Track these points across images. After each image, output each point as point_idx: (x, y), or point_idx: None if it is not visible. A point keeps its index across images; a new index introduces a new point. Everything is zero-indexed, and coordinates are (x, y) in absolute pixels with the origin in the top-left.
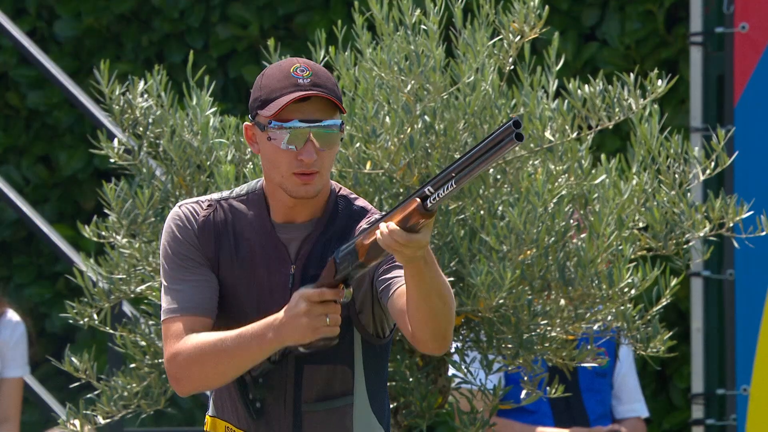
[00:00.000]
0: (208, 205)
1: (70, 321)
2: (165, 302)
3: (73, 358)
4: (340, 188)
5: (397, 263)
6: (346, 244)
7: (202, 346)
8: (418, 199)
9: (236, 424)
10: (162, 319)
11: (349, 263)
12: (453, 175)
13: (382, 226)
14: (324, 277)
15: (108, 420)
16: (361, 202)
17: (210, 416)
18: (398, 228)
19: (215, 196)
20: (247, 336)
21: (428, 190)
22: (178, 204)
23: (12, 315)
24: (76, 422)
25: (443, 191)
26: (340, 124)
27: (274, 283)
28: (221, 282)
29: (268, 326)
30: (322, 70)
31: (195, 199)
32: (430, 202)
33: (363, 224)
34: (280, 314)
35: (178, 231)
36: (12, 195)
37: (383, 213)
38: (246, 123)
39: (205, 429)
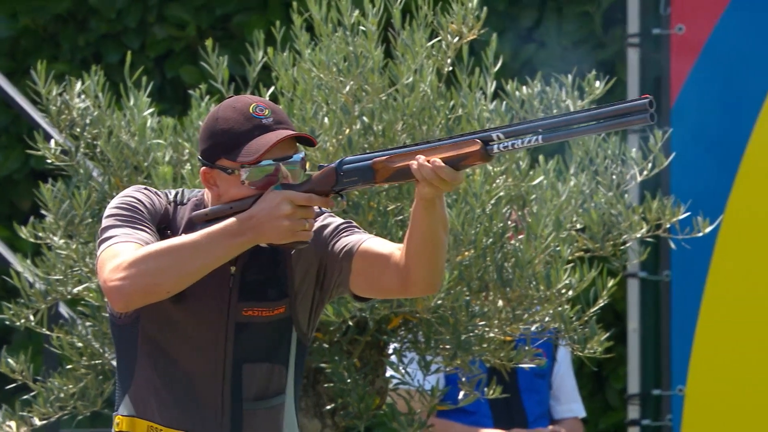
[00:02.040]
0: (171, 201)
1: (7, 322)
2: (109, 237)
3: (9, 360)
4: None
5: (346, 230)
6: (356, 158)
7: (157, 246)
8: (481, 142)
9: (164, 422)
10: (102, 249)
11: (359, 178)
12: (540, 130)
13: (421, 158)
14: (315, 184)
15: (44, 421)
16: None
17: (124, 416)
18: (445, 166)
19: (169, 196)
20: (217, 232)
21: (497, 135)
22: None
23: None
24: (12, 424)
25: (521, 142)
26: (302, 158)
27: (212, 284)
28: None
29: (243, 224)
30: (274, 105)
31: (163, 191)
32: (498, 148)
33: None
34: (257, 212)
35: (148, 196)
36: None
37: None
38: (204, 168)
39: (116, 429)
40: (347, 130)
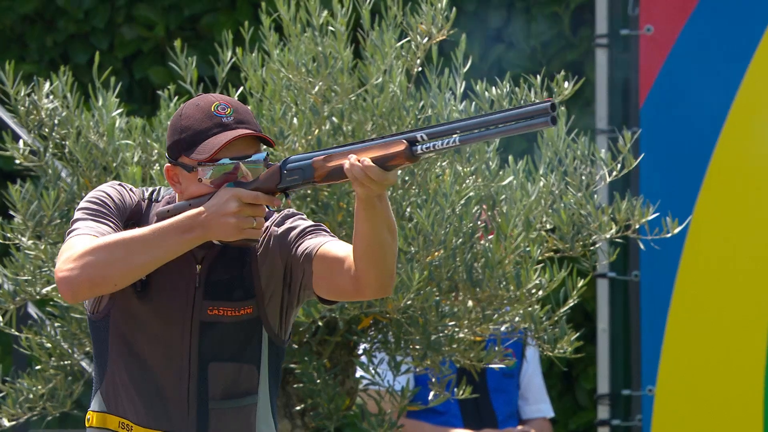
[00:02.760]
0: (145, 198)
1: None
2: (72, 230)
3: None
4: None
5: (311, 233)
6: (299, 156)
7: (108, 239)
8: (406, 142)
9: (134, 419)
10: (66, 239)
11: (300, 177)
12: (457, 131)
13: (353, 157)
14: (262, 182)
15: (13, 422)
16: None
17: (96, 411)
18: (374, 165)
19: (144, 193)
20: (167, 228)
21: (421, 136)
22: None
23: None
24: None
25: (440, 144)
26: (265, 157)
27: (177, 282)
28: None
29: (192, 220)
30: (240, 104)
31: (141, 189)
32: (421, 149)
33: (270, 225)
34: (206, 209)
35: (119, 191)
36: None
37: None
38: (167, 165)
39: (88, 425)
40: (316, 131)
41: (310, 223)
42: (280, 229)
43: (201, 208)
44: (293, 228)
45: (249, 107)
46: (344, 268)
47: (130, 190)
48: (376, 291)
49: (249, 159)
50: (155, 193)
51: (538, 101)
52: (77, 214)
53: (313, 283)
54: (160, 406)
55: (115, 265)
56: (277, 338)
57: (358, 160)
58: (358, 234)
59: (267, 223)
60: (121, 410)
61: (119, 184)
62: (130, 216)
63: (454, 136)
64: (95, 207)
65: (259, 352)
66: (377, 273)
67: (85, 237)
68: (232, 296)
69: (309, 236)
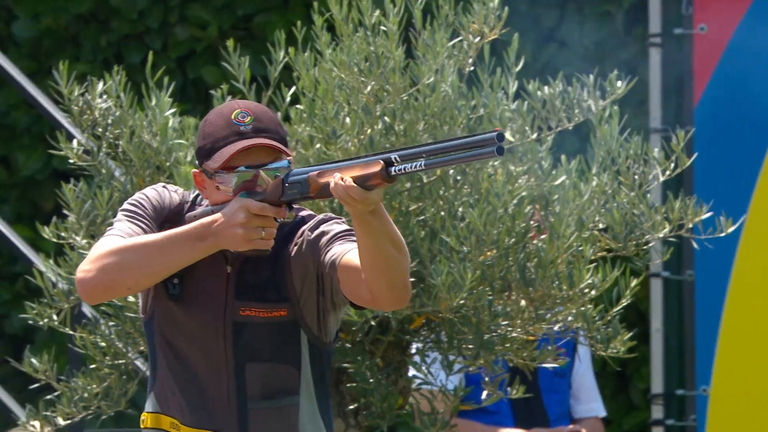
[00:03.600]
0: (185, 201)
1: (30, 322)
2: (110, 228)
3: (32, 359)
4: None
5: (341, 239)
6: (300, 170)
7: (124, 243)
8: (383, 163)
9: (182, 420)
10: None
11: (298, 191)
12: (423, 156)
13: (337, 176)
14: (269, 194)
15: (68, 421)
16: (304, 212)
17: (150, 412)
18: (355, 185)
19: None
20: (181, 235)
21: (395, 158)
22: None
23: None
24: (36, 423)
25: (410, 167)
26: (287, 165)
27: (209, 284)
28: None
29: (205, 228)
30: (264, 111)
31: (179, 190)
32: (395, 171)
33: (306, 229)
34: (218, 218)
35: (160, 193)
36: None
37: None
38: (194, 170)
39: (143, 426)
40: (369, 130)
41: (343, 228)
42: (314, 234)
43: (214, 217)
44: (325, 233)
45: (277, 114)
46: (362, 277)
47: (174, 191)
48: (391, 303)
49: (270, 166)
50: (199, 197)
51: (490, 130)
52: (117, 216)
53: (341, 290)
54: (204, 406)
55: (129, 269)
56: (318, 341)
57: (342, 179)
58: (361, 247)
59: (303, 227)
60: (172, 410)
61: (163, 186)
62: (169, 217)
63: (421, 159)
64: (132, 209)
65: (298, 353)
66: (387, 285)
67: (110, 238)
68: (264, 297)
69: (338, 242)
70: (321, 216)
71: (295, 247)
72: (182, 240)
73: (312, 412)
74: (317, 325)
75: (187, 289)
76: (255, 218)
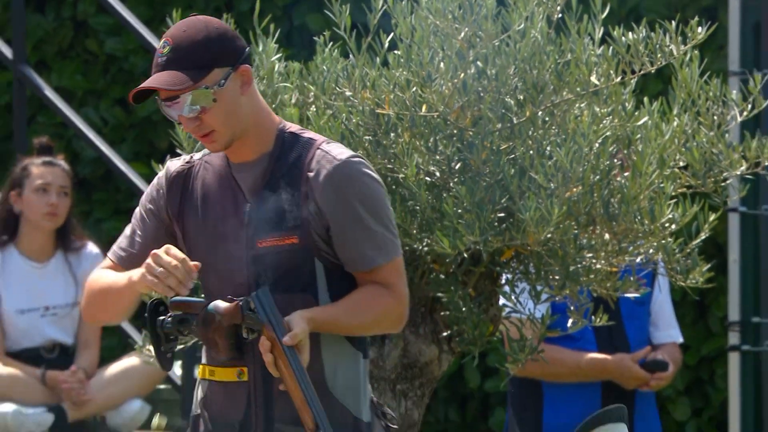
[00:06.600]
0: (186, 162)
1: None
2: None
3: None
4: (288, 125)
5: (362, 242)
6: (264, 309)
7: (92, 286)
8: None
9: (209, 361)
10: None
11: (253, 323)
12: None
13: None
14: (228, 310)
15: (182, 345)
16: (308, 134)
17: (201, 364)
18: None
19: (198, 155)
20: (123, 276)
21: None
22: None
23: (92, 247)
24: (152, 348)
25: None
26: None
27: (229, 219)
28: (186, 234)
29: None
30: (187, 36)
31: (183, 156)
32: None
33: (312, 156)
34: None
35: (151, 184)
36: (91, 135)
37: (325, 150)
38: None
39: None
40: (462, 75)
41: (371, 227)
42: (337, 199)
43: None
44: (355, 221)
45: (218, 30)
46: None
47: (161, 176)
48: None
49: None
50: (195, 153)
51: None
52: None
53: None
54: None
55: (101, 310)
56: (335, 266)
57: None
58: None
59: (328, 170)
60: (206, 358)
61: (155, 180)
62: (171, 196)
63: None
64: (139, 209)
65: (313, 281)
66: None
67: (95, 271)
68: (279, 226)
69: (352, 238)
70: (323, 145)
71: (318, 192)
72: (123, 280)
73: (334, 339)
74: (333, 252)
75: (208, 230)
76: (157, 256)
